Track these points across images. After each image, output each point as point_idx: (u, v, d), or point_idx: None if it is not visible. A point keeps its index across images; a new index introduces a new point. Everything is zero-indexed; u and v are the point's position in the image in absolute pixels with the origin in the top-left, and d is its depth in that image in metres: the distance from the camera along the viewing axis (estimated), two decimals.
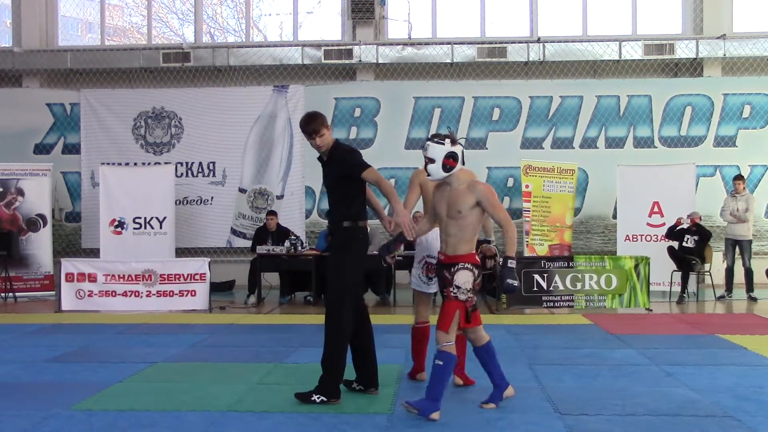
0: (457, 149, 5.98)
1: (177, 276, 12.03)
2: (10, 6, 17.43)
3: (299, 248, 13.26)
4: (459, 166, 6.01)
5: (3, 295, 13.92)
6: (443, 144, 5.98)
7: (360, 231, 6.52)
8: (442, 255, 6.18)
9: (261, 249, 12.99)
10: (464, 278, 5.96)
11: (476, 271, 6.06)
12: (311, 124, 6.48)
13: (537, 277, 12.18)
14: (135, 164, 15.92)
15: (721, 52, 15.89)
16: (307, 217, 16.10)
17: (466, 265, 6.01)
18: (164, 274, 12.19)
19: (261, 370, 7.51)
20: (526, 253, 14.01)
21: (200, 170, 16.07)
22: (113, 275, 12.24)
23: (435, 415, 5.78)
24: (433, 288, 6.84)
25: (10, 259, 14.06)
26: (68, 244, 16.03)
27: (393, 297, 13.43)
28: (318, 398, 6.29)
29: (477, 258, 6.17)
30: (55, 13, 17.32)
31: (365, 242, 6.63)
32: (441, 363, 5.85)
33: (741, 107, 15.92)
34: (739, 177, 13.88)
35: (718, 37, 15.91)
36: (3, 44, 17.67)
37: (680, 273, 13.14)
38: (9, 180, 14.56)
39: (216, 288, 12.50)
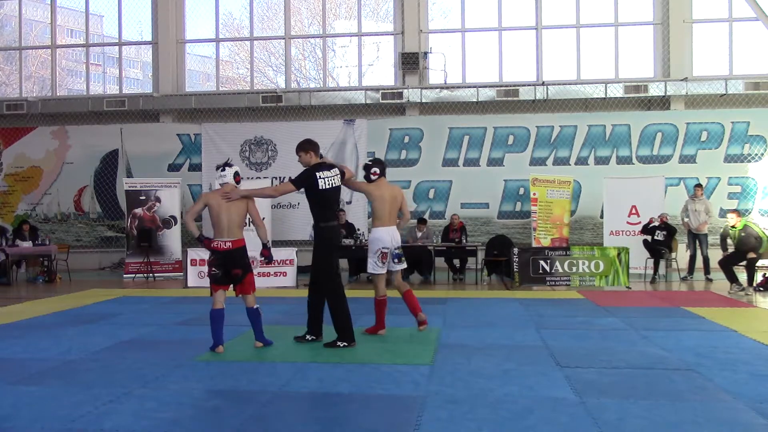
0: None
1: (273, 261, 12.07)
2: (151, 63, 17.77)
3: (363, 240, 13.29)
4: None
5: (145, 275, 14.19)
6: None
7: (324, 230, 6.68)
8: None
9: None
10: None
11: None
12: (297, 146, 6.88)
13: (542, 262, 12.06)
14: (241, 179, 15.95)
15: (684, 91, 15.54)
16: (369, 217, 16.05)
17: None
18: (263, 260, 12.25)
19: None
20: (534, 244, 13.86)
21: None
22: None
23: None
24: (385, 269, 7.04)
25: (150, 249, 14.36)
26: (192, 238, 16.19)
27: (433, 277, 13.39)
28: (341, 344, 6.64)
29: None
30: (183, 67, 17.58)
31: (329, 239, 6.69)
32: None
33: (700, 133, 15.55)
34: (698, 185, 13.70)
35: (682, 80, 15.56)
36: (146, 91, 17.98)
37: (653, 260, 12.90)
38: (150, 190, 14.83)
39: (301, 270, 12.53)
